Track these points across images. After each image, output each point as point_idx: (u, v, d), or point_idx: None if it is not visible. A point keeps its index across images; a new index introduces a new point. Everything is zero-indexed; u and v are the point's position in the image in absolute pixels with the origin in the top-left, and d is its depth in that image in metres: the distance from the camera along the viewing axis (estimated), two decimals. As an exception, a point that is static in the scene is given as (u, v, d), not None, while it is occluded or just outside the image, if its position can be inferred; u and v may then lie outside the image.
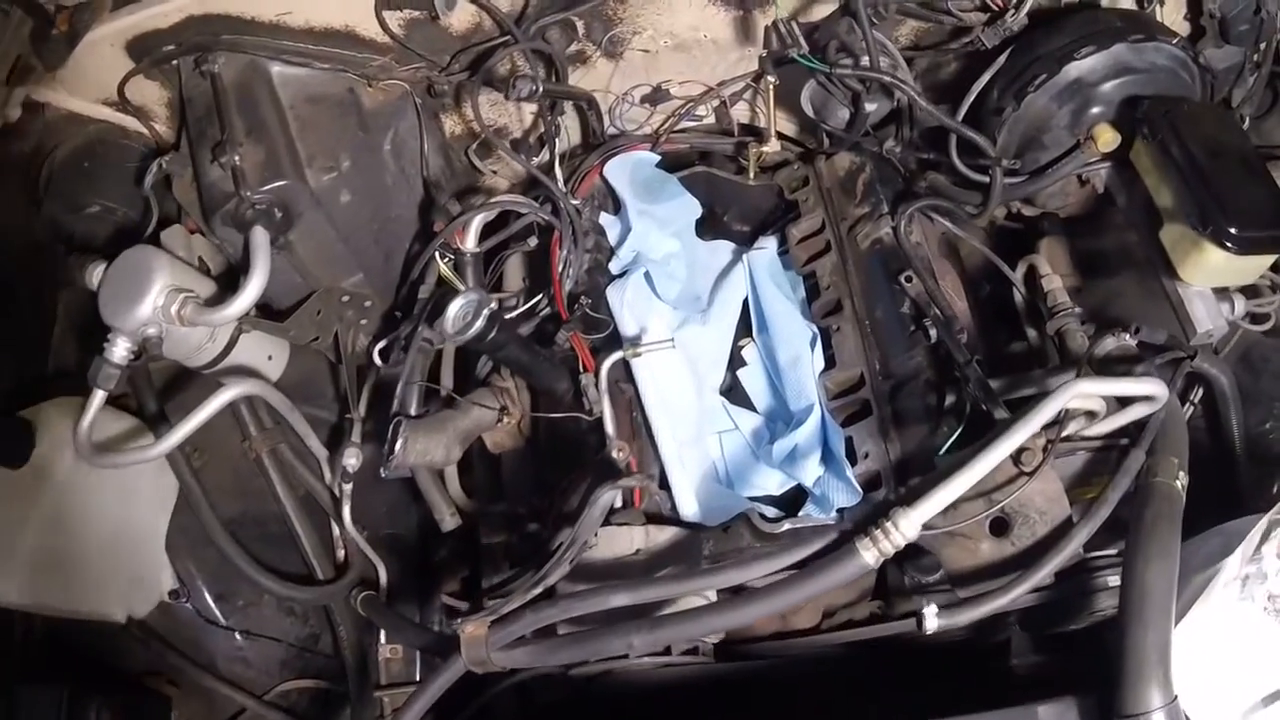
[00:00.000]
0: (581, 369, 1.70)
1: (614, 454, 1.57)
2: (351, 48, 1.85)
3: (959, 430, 1.60)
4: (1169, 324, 1.67)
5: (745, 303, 1.99)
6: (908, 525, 1.20)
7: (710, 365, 1.93)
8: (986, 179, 1.77)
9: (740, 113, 2.08)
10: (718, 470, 1.84)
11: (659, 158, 2.07)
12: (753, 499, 1.76)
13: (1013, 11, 1.69)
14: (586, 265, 1.86)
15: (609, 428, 1.64)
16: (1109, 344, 1.68)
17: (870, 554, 1.19)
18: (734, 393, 1.94)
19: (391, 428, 1.63)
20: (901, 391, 1.72)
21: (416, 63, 1.88)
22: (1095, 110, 1.68)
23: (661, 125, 2.07)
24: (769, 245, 2.03)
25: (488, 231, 1.89)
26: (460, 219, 1.80)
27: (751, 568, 1.35)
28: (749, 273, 1.98)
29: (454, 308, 1.45)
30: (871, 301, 1.81)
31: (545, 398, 1.77)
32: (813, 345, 1.84)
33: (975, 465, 1.28)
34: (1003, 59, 1.75)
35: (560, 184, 1.87)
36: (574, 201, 1.85)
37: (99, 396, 1.61)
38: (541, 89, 1.72)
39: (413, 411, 1.71)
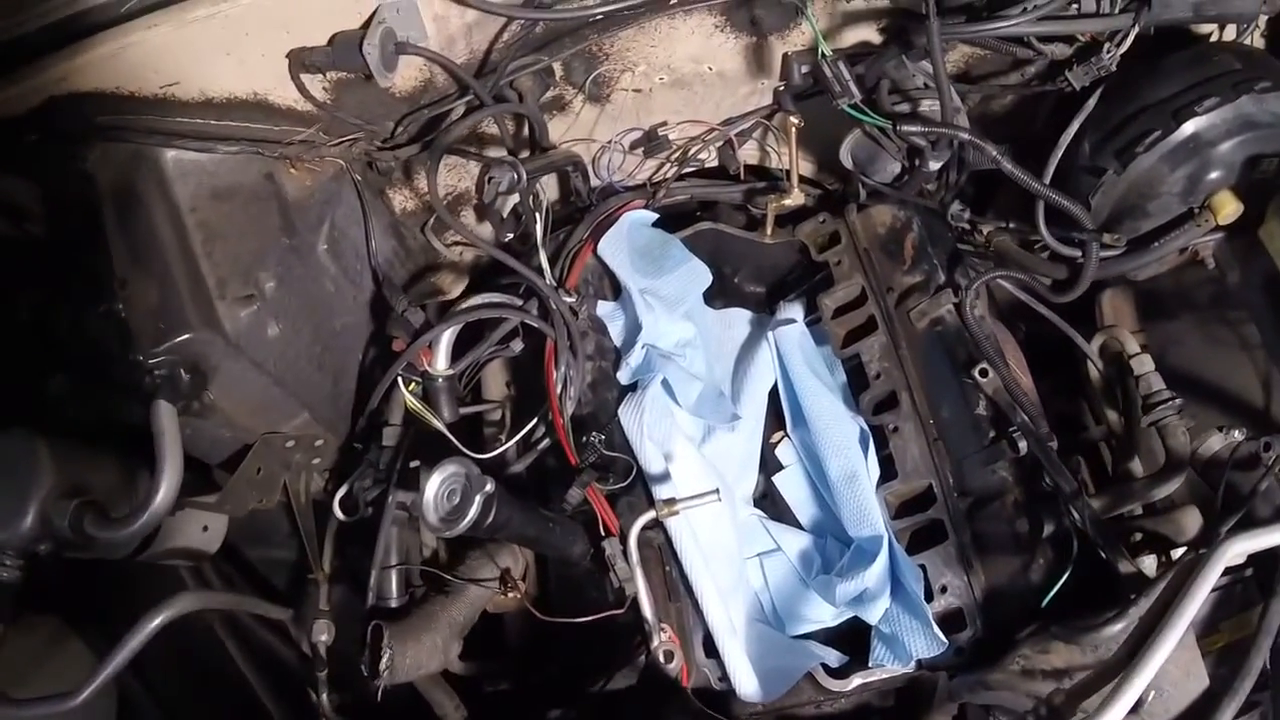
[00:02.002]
0: (603, 530, 1.36)
1: (660, 657, 1.26)
2: (264, 120, 1.42)
3: (1066, 574, 1.33)
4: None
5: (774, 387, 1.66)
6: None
7: (739, 471, 1.63)
8: (1073, 250, 1.45)
9: (747, 152, 1.72)
10: (761, 605, 1.55)
11: (656, 215, 1.70)
12: (805, 636, 1.49)
13: (1110, 48, 1.35)
14: (590, 378, 1.51)
15: (646, 610, 1.32)
16: (1215, 444, 1.44)
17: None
18: (769, 500, 1.64)
19: (370, 636, 1.29)
20: (983, 512, 1.44)
21: (351, 133, 1.45)
22: (1214, 176, 1.37)
23: (656, 173, 1.69)
24: (794, 314, 1.69)
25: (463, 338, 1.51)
26: (425, 337, 1.42)
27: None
28: (776, 354, 1.65)
29: (431, 488, 1.10)
30: (936, 396, 1.51)
31: (558, 565, 1.43)
32: (864, 445, 1.53)
33: (1146, 664, 1.05)
34: (1092, 104, 1.42)
35: (548, 276, 1.49)
36: (567, 299, 1.48)
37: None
38: (525, 178, 1.33)
39: (394, 602, 1.36)
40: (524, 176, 1.33)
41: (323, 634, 1.50)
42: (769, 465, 1.64)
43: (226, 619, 1.62)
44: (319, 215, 1.48)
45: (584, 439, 1.43)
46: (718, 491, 1.31)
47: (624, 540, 1.33)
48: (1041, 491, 1.43)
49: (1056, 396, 1.66)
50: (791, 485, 1.63)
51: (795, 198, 1.62)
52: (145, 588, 1.50)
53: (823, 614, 1.50)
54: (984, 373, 1.46)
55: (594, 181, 1.69)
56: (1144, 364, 1.50)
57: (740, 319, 1.76)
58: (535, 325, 1.47)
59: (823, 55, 1.41)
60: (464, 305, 1.46)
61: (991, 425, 1.46)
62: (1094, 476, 1.62)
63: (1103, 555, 1.33)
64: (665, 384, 1.53)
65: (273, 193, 1.44)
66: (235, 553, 1.62)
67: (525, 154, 1.58)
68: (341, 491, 1.47)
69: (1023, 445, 1.41)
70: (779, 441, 1.66)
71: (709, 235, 1.72)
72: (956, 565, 1.42)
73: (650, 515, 1.34)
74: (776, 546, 1.58)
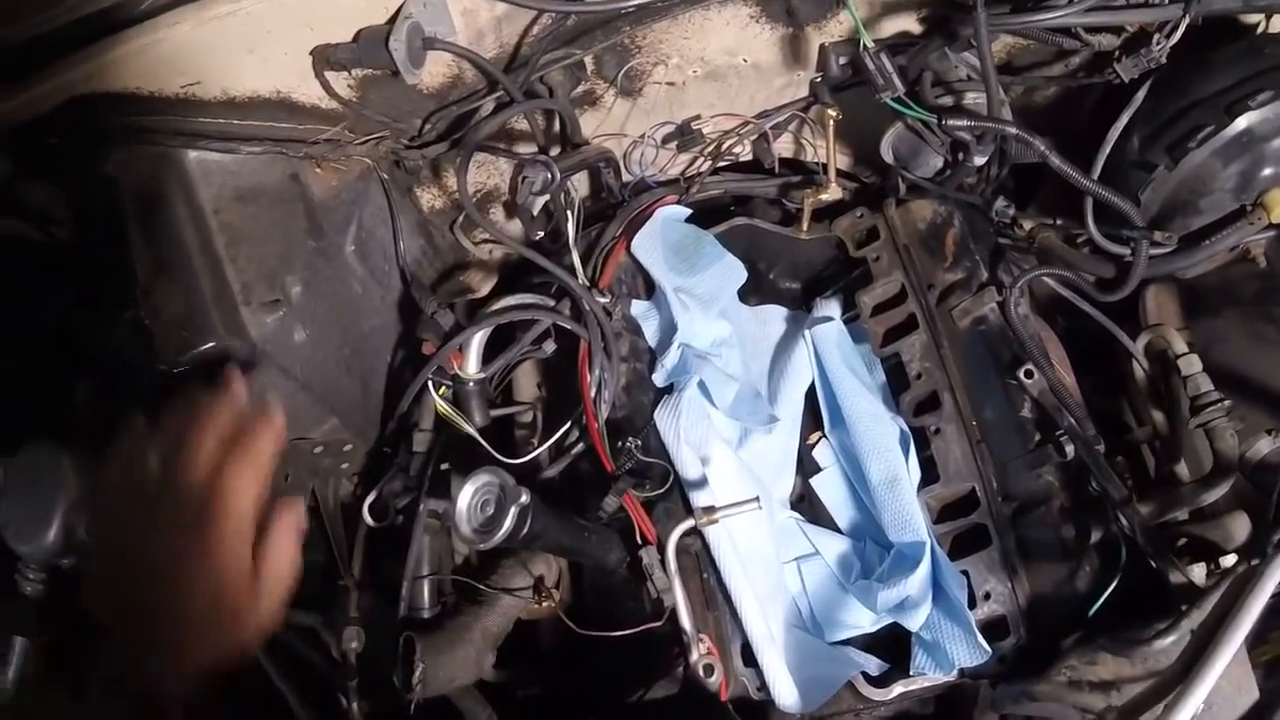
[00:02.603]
0: (640, 538, 1.33)
1: (700, 671, 1.23)
2: (288, 119, 1.38)
3: (1114, 582, 1.29)
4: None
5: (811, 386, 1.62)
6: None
7: (776, 473, 1.59)
8: (1121, 248, 1.40)
9: (783, 146, 1.67)
10: (799, 610, 1.52)
11: (689, 211, 1.65)
12: (844, 642, 1.46)
13: (1159, 39, 1.29)
14: (624, 380, 1.47)
15: (685, 621, 1.29)
16: (1264, 448, 1.40)
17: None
18: (806, 502, 1.60)
19: (402, 648, 1.27)
20: (1028, 518, 1.39)
21: (377, 132, 1.41)
22: (1268, 172, 1.31)
23: (689, 167, 1.65)
24: (831, 311, 1.65)
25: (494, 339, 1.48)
26: (455, 340, 1.39)
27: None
28: (814, 353, 1.61)
29: (464, 499, 1.08)
30: (979, 397, 1.47)
31: (593, 573, 1.41)
32: (905, 447, 1.50)
33: (1202, 680, 1.03)
34: (1140, 96, 1.36)
35: (581, 277, 1.45)
36: (600, 300, 1.45)
37: (19, 648, 1.21)
38: (559, 177, 1.29)
39: (426, 613, 1.34)
40: (558, 175, 1.29)
41: (353, 641, 1.48)
42: (806, 467, 1.60)
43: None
44: (346, 216, 1.44)
45: (619, 444, 1.40)
46: (758, 499, 1.27)
47: (662, 550, 1.30)
48: (1088, 496, 1.39)
49: (1096, 395, 1.61)
50: (829, 487, 1.59)
51: (832, 192, 1.58)
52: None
53: (862, 620, 1.46)
54: (1029, 374, 1.42)
55: (626, 177, 1.64)
56: (1191, 364, 1.45)
57: (776, 316, 1.72)
58: (568, 327, 1.43)
59: (864, 47, 1.36)
60: (495, 307, 1.43)
61: (1036, 428, 1.41)
62: (1136, 478, 1.58)
63: (1152, 564, 1.29)
64: (701, 385, 1.49)
65: (298, 194, 1.40)
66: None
67: (556, 150, 1.53)
68: (371, 497, 1.45)
69: (1070, 449, 1.36)
70: (817, 442, 1.62)
71: (744, 231, 1.67)
72: (1000, 571, 1.38)
73: (689, 524, 1.30)
74: (815, 550, 1.54)
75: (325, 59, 1.30)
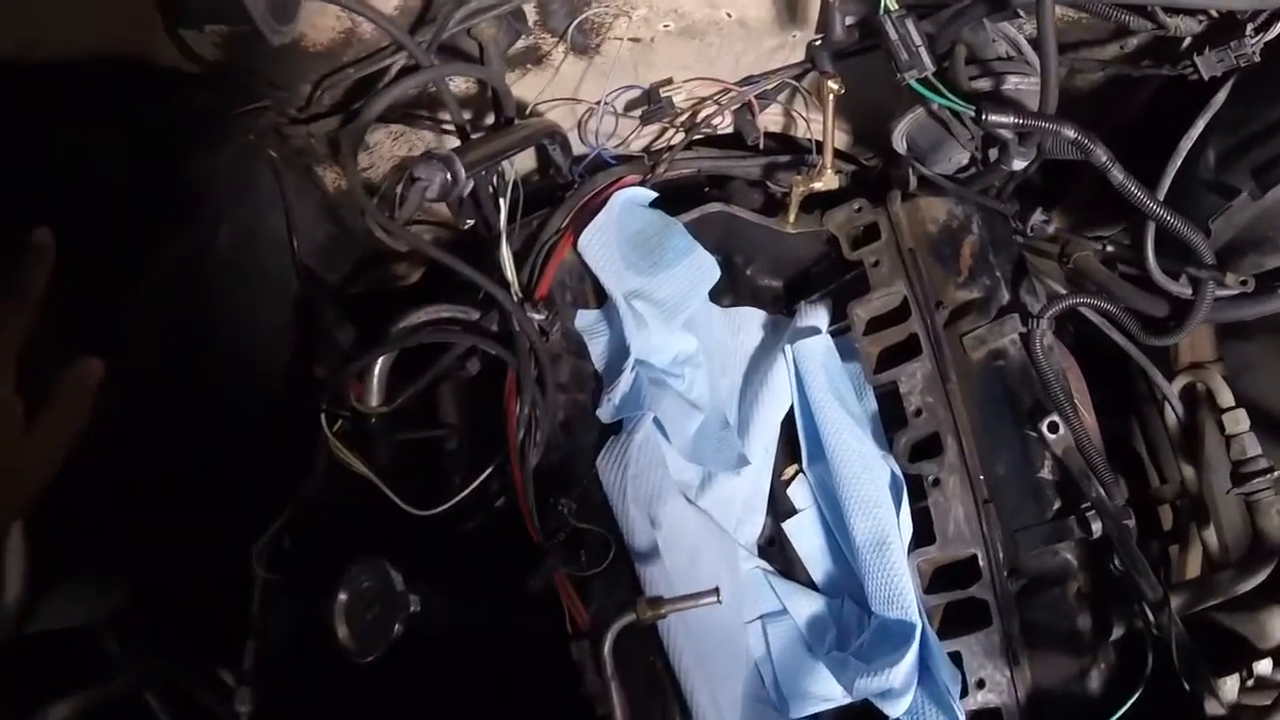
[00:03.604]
0: (570, 626, 1.11)
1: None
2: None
3: (1136, 694, 1.09)
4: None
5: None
6: None
7: (743, 513, 1.36)
8: (1180, 287, 1.14)
9: (770, 119, 1.38)
10: (761, 677, 1.32)
11: (654, 194, 1.37)
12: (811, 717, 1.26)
13: (1254, 32, 1.00)
14: (562, 415, 1.22)
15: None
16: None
17: None
18: (776, 547, 1.38)
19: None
20: (1037, 599, 1.19)
21: (256, 102, 1.11)
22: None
23: (657, 141, 1.36)
24: (817, 320, 1.38)
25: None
26: (353, 367, 1.13)
27: None
28: (794, 373, 1.36)
29: (340, 610, 0.86)
30: (990, 447, 1.24)
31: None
32: (896, 496, 1.27)
33: None
34: (1220, 99, 1.08)
35: (513, 284, 1.18)
36: (535, 316, 1.18)
37: None
38: (463, 179, 1.00)
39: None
40: (461, 177, 0.99)
41: (244, 704, 1.27)
42: (779, 505, 1.37)
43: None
44: (217, 207, 1.14)
45: (551, 501, 1.16)
46: (717, 592, 1.04)
47: (597, 646, 1.07)
48: (1110, 579, 1.17)
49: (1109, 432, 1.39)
50: (804, 534, 1.37)
51: (827, 180, 1.30)
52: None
53: (833, 691, 1.26)
54: (1054, 427, 1.18)
55: (579, 150, 1.35)
56: (1238, 421, 1.25)
57: (751, 321, 1.45)
58: (493, 352, 1.16)
59: (885, 9, 1.07)
60: (404, 323, 1.16)
61: (1057, 493, 1.19)
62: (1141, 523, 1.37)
63: (1182, 681, 1.08)
64: (656, 423, 1.24)
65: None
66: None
67: (491, 120, 1.23)
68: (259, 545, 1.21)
69: (1096, 527, 1.14)
70: (793, 478, 1.39)
71: (719, 219, 1.39)
72: (999, 658, 1.18)
73: (629, 618, 1.07)
74: (783, 609, 1.32)
75: (173, 13, 0.98)
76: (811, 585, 1.35)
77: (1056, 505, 1.18)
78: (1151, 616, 1.11)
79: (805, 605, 1.32)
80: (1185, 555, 1.35)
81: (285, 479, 1.20)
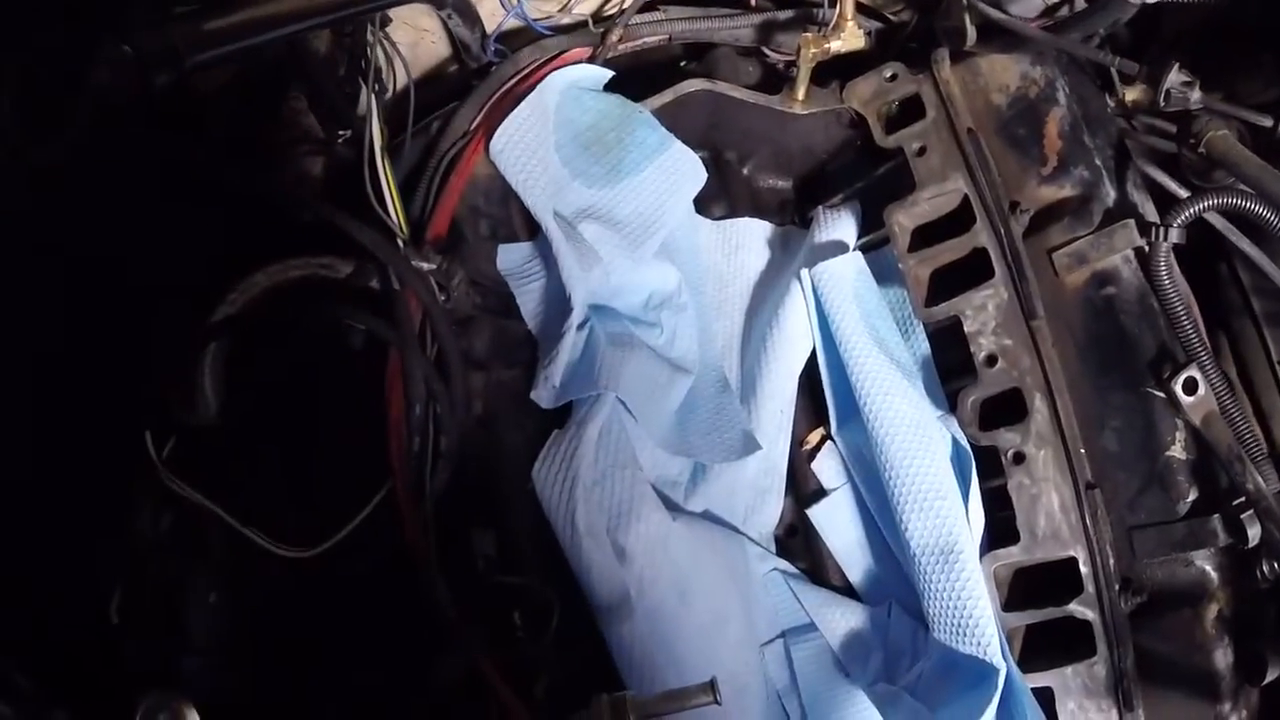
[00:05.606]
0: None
1: None
2: None
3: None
4: None
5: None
6: None
7: (754, 498, 1.09)
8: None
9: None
10: (786, 713, 1.01)
11: (609, 73, 1.00)
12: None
13: None
14: (479, 407, 0.88)
15: None
16: None
17: None
18: (799, 538, 1.09)
19: None
20: (1160, 624, 0.92)
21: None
22: None
23: (608, 4, 0.98)
24: (843, 232, 1.08)
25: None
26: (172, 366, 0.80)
27: None
28: (815, 308, 1.01)
29: None
30: (1096, 411, 0.95)
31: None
32: (961, 474, 0.97)
33: None
34: None
35: (394, 216, 0.83)
36: (426, 265, 0.83)
37: None
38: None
39: None
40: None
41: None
42: (801, 485, 1.07)
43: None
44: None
45: (464, 543, 0.83)
46: (714, 690, 0.70)
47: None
48: (1258, 594, 0.89)
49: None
50: (836, 522, 1.10)
51: (849, 37, 0.98)
52: None
53: (870, 720, 0.99)
54: (1190, 386, 0.82)
55: (493, 24, 0.96)
56: None
57: (754, 236, 1.15)
58: (363, 327, 0.82)
59: None
60: (238, 294, 0.80)
61: (1193, 480, 0.91)
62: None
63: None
64: (620, 403, 0.89)
65: None
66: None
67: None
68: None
69: (1253, 532, 0.85)
70: (818, 446, 1.08)
71: (701, 101, 1.09)
72: (1105, 696, 0.94)
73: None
74: (810, 623, 1.05)
75: None
76: (847, 590, 1.10)
77: (1192, 497, 0.92)
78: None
79: (840, 619, 1.10)
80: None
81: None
